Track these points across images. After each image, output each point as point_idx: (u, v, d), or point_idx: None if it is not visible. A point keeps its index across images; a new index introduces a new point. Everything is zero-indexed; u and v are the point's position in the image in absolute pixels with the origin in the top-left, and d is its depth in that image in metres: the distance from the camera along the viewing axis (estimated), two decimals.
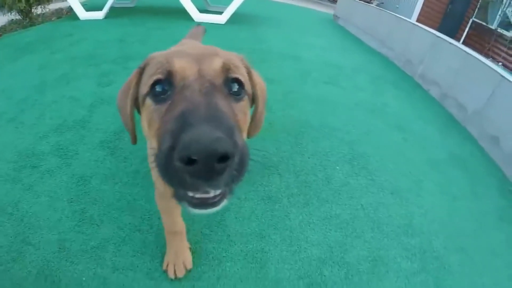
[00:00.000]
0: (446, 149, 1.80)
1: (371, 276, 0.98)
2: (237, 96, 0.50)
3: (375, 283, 0.97)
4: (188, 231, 0.95)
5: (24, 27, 3.17)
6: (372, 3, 7.16)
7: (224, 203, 0.44)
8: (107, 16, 3.40)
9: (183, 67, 0.47)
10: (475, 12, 7.20)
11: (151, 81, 0.48)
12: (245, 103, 0.52)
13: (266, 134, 1.58)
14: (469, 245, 1.18)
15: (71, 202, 1.08)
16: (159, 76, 0.47)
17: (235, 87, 0.50)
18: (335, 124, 1.79)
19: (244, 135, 0.52)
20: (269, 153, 1.44)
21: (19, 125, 1.47)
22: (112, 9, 3.42)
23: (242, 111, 0.51)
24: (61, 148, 1.32)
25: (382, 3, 8.35)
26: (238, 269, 0.93)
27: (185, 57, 0.48)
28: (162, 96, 0.47)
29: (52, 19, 3.48)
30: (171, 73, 0.47)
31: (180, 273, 0.87)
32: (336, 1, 5.06)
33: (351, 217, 1.19)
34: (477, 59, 2.20)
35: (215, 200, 0.43)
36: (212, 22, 3.57)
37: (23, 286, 0.83)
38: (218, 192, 0.42)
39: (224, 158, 0.36)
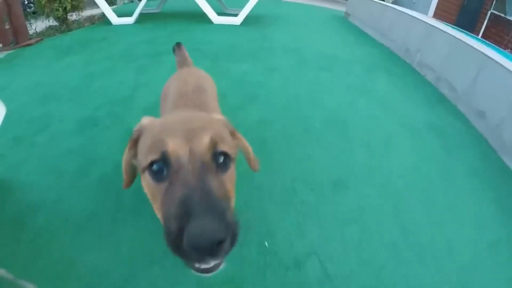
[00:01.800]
0: (427, 120, 2.15)
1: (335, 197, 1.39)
2: (224, 166, 0.56)
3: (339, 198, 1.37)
4: None
5: (62, 32, 3.75)
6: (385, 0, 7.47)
7: (222, 267, 0.53)
8: (135, 21, 3.97)
9: (176, 148, 0.52)
10: (493, 3, 7.30)
11: (148, 160, 0.54)
12: (231, 170, 0.58)
13: (266, 105, 2.06)
14: (433, 192, 1.49)
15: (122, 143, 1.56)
16: (155, 156, 0.53)
17: (222, 159, 0.56)
18: (322, 99, 2.23)
19: (233, 201, 0.59)
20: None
21: (76, 103, 1.99)
22: (139, 15, 3.98)
23: (230, 179, 0.57)
24: (114, 114, 1.82)
25: None
26: None
27: (176, 136, 0.54)
28: (160, 175, 0.53)
29: (86, 25, 4.07)
30: (165, 154, 0.52)
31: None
32: None
33: (322, 156, 1.61)
34: (465, 42, 2.53)
35: (215, 267, 0.52)
36: (229, 23, 4.07)
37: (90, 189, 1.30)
38: (217, 261, 0.51)
39: (221, 241, 0.45)
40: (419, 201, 1.41)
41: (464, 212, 1.38)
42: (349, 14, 5.15)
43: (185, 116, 0.62)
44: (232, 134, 0.67)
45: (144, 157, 0.56)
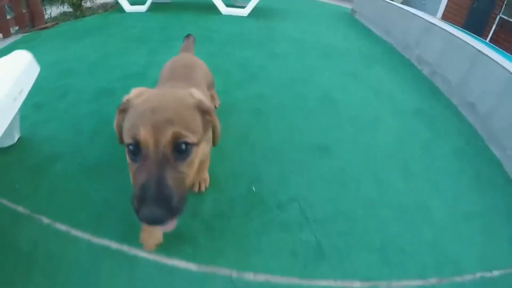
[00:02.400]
0: (417, 107, 2.31)
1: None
2: (185, 153, 0.69)
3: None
4: None
5: (76, 18, 3.91)
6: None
7: (174, 226, 0.73)
8: (148, 10, 4.17)
9: (145, 138, 0.65)
10: (502, 8, 7.36)
11: (126, 141, 0.69)
12: (193, 155, 0.70)
13: (265, 84, 2.27)
14: (414, 165, 1.65)
15: None
16: (131, 141, 0.67)
17: (183, 147, 0.68)
18: (318, 82, 2.43)
19: (192, 176, 0.73)
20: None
21: (93, 77, 2.20)
22: (151, 4, 4.18)
23: (189, 164, 0.70)
24: (127, 86, 2.00)
25: None
26: None
27: (147, 126, 0.65)
28: (134, 156, 0.68)
29: (99, 12, 4.25)
30: (137, 141, 0.66)
31: (152, 248, 1.03)
32: None
33: (311, 126, 1.79)
34: (459, 38, 2.68)
35: (170, 225, 0.72)
36: (237, 14, 4.26)
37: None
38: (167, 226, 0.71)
39: (160, 221, 0.62)
40: (398, 170, 1.58)
41: (442, 184, 1.55)
42: (355, 11, 5.29)
43: (159, 102, 0.71)
44: (206, 112, 0.77)
45: (125, 137, 0.70)
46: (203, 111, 0.76)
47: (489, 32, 7.66)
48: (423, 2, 8.29)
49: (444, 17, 7.58)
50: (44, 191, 1.26)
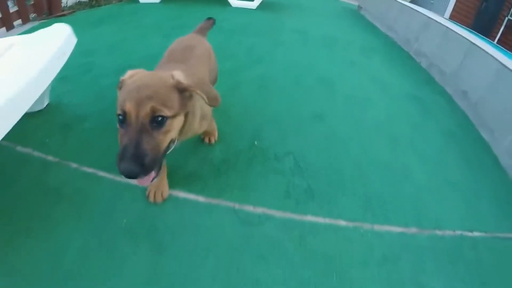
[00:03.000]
0: (411, 93, 2.50)
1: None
2: (160, 124, 0.85)
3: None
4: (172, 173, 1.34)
5: (92, 7, 4.11)
6: None
7: (154, 178, 0.90)
8: (161, 2, 4.41)
9: (130, 110, 0.82)
10: (511, 10, 7.44)
11: (117, 112, 0.85)
12: (167, 125, 0.86)
13: (268, 66, 2.51)
14: (400, 137, 1.85)
15: None
16: (120, 112, 0.84)
17: (159, 119, 0.84)
18: (317, 66, 2.66)
19: (166, 142, 0.89)
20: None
21: (113, 57, 2.43)
22: None
23: (164, 133, 0.86)
24: (145, 64, 2.22)
25: None
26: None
27: (132, 101, 0.82)
28: (122, 123, 0.85)
29: (113, 2, 4.46)
30: (124, 112, 0.82)
31: (159, 200, 1.20)
32: None
33: (308, 100, 1.99)
34: (454, 31, 2.85)
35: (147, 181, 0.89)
36: (246, 7, 4.47)
37: None
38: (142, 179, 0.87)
39: (134, 175, 0.79)
40: (385, 139, 1.78)
41: (427, 154, 1.73)
42: (361, 8, 5.48)
43: (144, 82, 0.87)
44: (184, 90, 0.92)
45: (117, 108, 0.87)
46: (181, 90, 0.92)
47: (497, 34, 7.74)
48: (431, 2, 8.41)
49: (452, 18, 7.68)
50: (72, 144, 1.49)
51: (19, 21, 3.09)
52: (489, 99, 2.27)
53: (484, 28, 7.43)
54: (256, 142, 1.55)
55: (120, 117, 0.85)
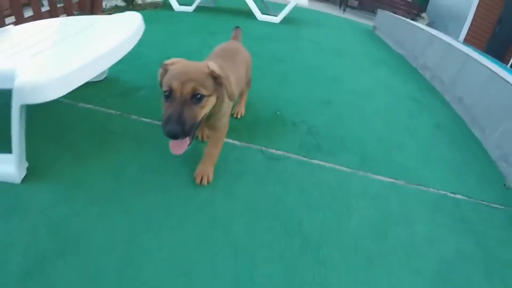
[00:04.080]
0: (411, 95, 2.94)
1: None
2: (198, 99, 1.08)
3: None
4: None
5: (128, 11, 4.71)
6: (417, 20, 8.25)
7: (186, 144, 1.11)
8: (194, 11, 5.04)
9: (175, 88, 1.04)
10: None
11: (164, 89, 1.08)
12: (203, 102, 1.09)
13: (287, 65, 2.98)
14: (396, 122, 2.30)
15: None
16: (167, 89, 1.06)
17: (198, 96, 1.07)
18: (328, 69, 3.17)
19: (201, 115, 1.11)
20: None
21: (157, 50, 2.97)
22: (197, 6, 5.05)
23: (200, 108, 1.09)
24: (186, 57, 2.76)
25: (433, 22, 9.37)
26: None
27: (177, 81, 1.04)
28: (167, 98, 1.06)
29: (148, 9, 5.00)
30: (171, 89, 1.05)
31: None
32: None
33: (319, 90, 2.45)
34: (454, 46, 3.30)
35: (181, 149, 1.11)
36: (270, 21, 5.07)
37: None
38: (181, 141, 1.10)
39: (177, 135, 1.00)
40: (382, 122, 2.25)
41: (420, 137, 2.14)
42: (376, 28, 6.01)
43: (186, 68, 1.11)
44: (217, 77, 1.14)
45: (164, 86, 1.10)
46: (215, 77, 1.15)
47: (510, 57, 8.08)
48: (447, 25, 8.89)
49: (466, 41, 8.10)
50: (130, 104, 1.96)
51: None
52: (481, 102, 2.67)
53: (498, 51, 7.80)
54: (278, 112, 2.06)
55: (166, 93, 1.08)
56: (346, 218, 1.37)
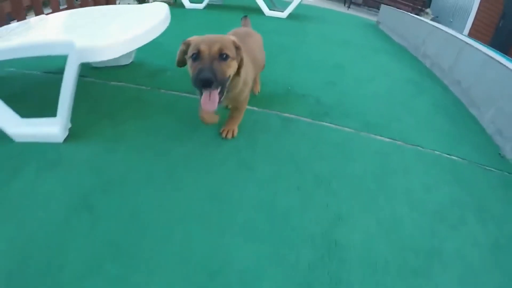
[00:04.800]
0: (412, 79, 3.21)
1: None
2: (225, 59, 1.22)
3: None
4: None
5: None
6: (422, 16, 8.50)
7: (217, 99, 1.24)
8: (204, 8, 5.38)
9: (204, 49, 1.19)
10: None
11: (191, 53, 1.23)
12: (229, 61, 1.24)
13: (293, 54, 3.28)
14: (396, 101, 2.60)
15: None
16: (195, 51, 1.20)
17: (224, 56, 1.21)
18: (331, 58, 3.44)
19: (228, 73, 1.26)
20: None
21: (178, 41, 3.25)
22: (206, 4, 5.39)
23: (227, 65, 1.24)
24: None
25: (437, 17, 9.64)
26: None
27: (204, 43, 1.20)
28: (195, 59, 1.21)
29: None
30: (199, 50, 1.19)
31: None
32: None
33: (324, 73, 2.75)
34: (451, 34, 3.57)
35: (214, 104, 1.24)
36: (277, 16, 5.39)
37: None
38: (214, 89, 1.23)
39: (210, 81, 1.15)
40: (382, 100, 2.52)
41: (419, 114, 2.37)
42: (379, 22, 6.29)
43: (212, 36, 1.27)
44: (238, 48, 1.31)
45: (190, 52, 1.25)
46: (236, 47, 1.31)
47: None
48: (450, 20, 9.16)
49: (470, 35, 8.33)
50: (159, 82, 2.24)
51: None
52: (477, 84, 2.93)
53: (502, 45, 8.02)
54: (289, 87, 2.40)
55: (194, 55, 1.22)
56: (351, 165, 1.67)
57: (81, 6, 3.72)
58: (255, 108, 2.01)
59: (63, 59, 1.42)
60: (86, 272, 0.99)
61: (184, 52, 1.35)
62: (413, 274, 1.13)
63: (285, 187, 1.43)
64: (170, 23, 2.00)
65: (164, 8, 2.18)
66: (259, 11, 5.43)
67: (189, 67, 1.28)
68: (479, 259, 1.25)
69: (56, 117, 1.55)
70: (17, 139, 1.56)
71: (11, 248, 1.04)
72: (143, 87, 2.18)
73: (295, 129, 1.89)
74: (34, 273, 0.97)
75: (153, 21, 1.80)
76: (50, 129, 1.56)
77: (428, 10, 9.87)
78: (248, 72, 1.52)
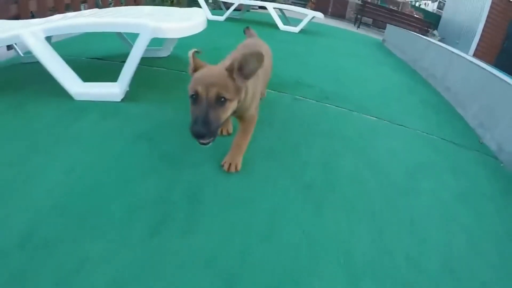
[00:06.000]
0: (406, 83, 3.82)
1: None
2: (222, 103, 1.19)
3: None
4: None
5: None
6: (428, 36, 9.17)
7: (211, 144, 1.21)
8: (224, 20, 6.15)
9: (201, 92, 1.16)
10: None
11: (190, 93, 1.20)
12: (227, 105, 1.21)
13: (303, 58, 3.91)
14: (387, 95, 3.19)
15: None
16: (192, 92, 1.18)
17: (222, 100, 1.18)
18: (337, 63, 4.15)
19: (224, 118, 1.23)
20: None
21: (206, 42, 3.96)
22: (227, 18, 6.17)
23: (223, 110, 1.21)
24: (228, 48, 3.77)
25: (444, 38, 10.31)
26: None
27: (202, 85, 1.17)
28: (194, 101, 1.19)
29: None
30: (196, 92, 1.17)
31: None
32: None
33: (330, 71, 3.37)
34: (443, 47, 4.19)
35: (206, 142, 1.19)
36: (290, 31, 6.13)
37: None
38: (206, 141, 1.18)
39: (202, 136, 1.14)
40: (379, 97, 3.11)
41: (408, 107, 3.00)
42: (385, 40, 6.98)
43: (208, 74, 1.22)
44: (232, 70, 1.23)
45: (189, 91, 1.21)
46: (232, 78, 1.24)
47: None
48: (457, 42, 9.81)
49: (476, 56, 8.90)
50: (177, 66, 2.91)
51: None
52: (463, 87, 3.50)
53: (506, 66, 8.56)
54: (299, 80, 3.05)
55: (193, 96, 1.20)
56: (345, 128, 2.26)
57: (115, 6, 4.50)
58: (271, 91, 2.63)
59: (101, 48, 2.01)
60: (147, 175, 1.50)
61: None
62: (397, 196, 1.62)
63: (295, 136, 2.03)
64: None
65: (203, 12, 2.84)
66: (274, 25, 6.19)
67: (190, 106, 1.26)
68: (449, 197, 1.69)
69: (116, 82, 2.07)
70: (78, 98, 2.04)
71: (78, 168, 1.45)
72: (183, 72, 2.77)
73: (303, 105, 2.52)
74: (102, 185, 1.36)
75: (198, 19, 2.42)
76: (111, 89, 2.10)
77: (435, 31, 10.59)
78: (257, 85, 1.53)
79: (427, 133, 2.44)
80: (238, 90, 1.27)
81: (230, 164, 1.55)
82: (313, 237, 1.27)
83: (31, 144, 1.60)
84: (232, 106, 1.27)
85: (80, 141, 1.66)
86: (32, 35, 1.98)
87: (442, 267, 1.25)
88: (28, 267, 0.98)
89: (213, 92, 1.18)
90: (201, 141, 1.19)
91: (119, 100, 2.12)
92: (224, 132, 1.89)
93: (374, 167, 1.84)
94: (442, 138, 2.40)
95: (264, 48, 1.98)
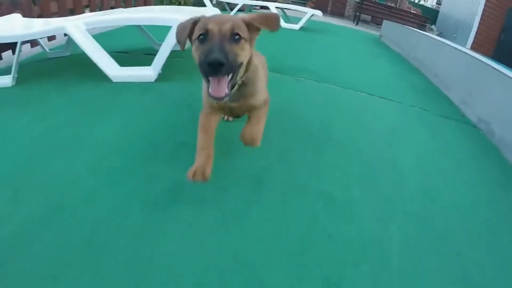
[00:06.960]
0: (397, 72, 4.29)
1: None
2: (237, 40, 1.12)
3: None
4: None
5: None
6: (426, 31, 9.61)
7: (227, 93, 1.13)
8: None
9: (212, 28, 1.08)
10: None
11: (198, 33, 1.11)
12: (241, 43, 1.13)
13: (302, 52, 4.41)
14: (379, 82, 3.66)
15: None
16: (202, 31, 1.09)
17: (236, 36, 1.11)
18: (337, 57, 4.66)
19: (241, 57, 1.14)
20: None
21: None
22: None
23: (240, 47, 1.13)
24: None
25: (441, 33, 10.76)
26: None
27: (214, 22, 1.10)
28: (202, 41, 1.10)
29: None
30: (207, 30, 1.08)
31: (199, 178, 1.23)
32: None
33: (330, 62, 3.85)
34: (434, 38, 4.64)
35: (222, 91, 1.12)
36: (291, 28, 6.63)
37: None
38: (223, 73, 1.07)
39: (221, 64, 1.00)
40: (373, 84, 3.59)
41: (397, 90, 3.50)
42: (382, 36, 7.44)
43: (222, 14, 1.24)
44: (248, 23, 1.20)
45: (197, 32, 1.14)
46: (247, 24, 1.21)
47: None
48: (454, 36, 10.25)
49: (473, 49, 9.27)
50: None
51: None
52: (450, 73, 3.95)
53: (504, 57, 8.90)
54: (300, 79, 3.50)
55: (201, 36, 1.12)
56: (339, 101, 2.78)
57: (126, 6, 4.97)
58: (276, 73, 3.11)
59: (124, 44, 2.47)
60: (190, 124, 1.95)
61: (190, 31, 1.21)
62: (382, 148, 2.08)
63: (299, 103, 2.55)
64: None
65: (211, 10, 3.33)
66: None
67: (195, 51, 1.16)
68: (431, 150, 2.18)
69: (151, 66, 2.60)
70: (115, 80, 2.49)
71: (133, 124, 1.97)
72: None
73: (305, 83, 3.06)
74: (157, 130, 1.95)
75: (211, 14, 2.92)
76: (146, 72, 2.60)
77: (433, 26, 11.04)
78: (261, 78, 1.49)
79: (413, 106, 2.92)
80: (250, 40, 1.22)
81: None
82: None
83: (84, 110, 2.10)
84: (247, 49, 1.19)
85: (127, 108, 2.16)
86: (75, 27, 2.47)
87: (418, 188, 1.72)
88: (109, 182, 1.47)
89: (227, 27, 1.10)
90: (219, 75, 1.07)
91: (153, 80, 2.60)
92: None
93: (362, 128, 2.32)
94: (424, 109, 2.89)
95: (261, 57, 1.78)
